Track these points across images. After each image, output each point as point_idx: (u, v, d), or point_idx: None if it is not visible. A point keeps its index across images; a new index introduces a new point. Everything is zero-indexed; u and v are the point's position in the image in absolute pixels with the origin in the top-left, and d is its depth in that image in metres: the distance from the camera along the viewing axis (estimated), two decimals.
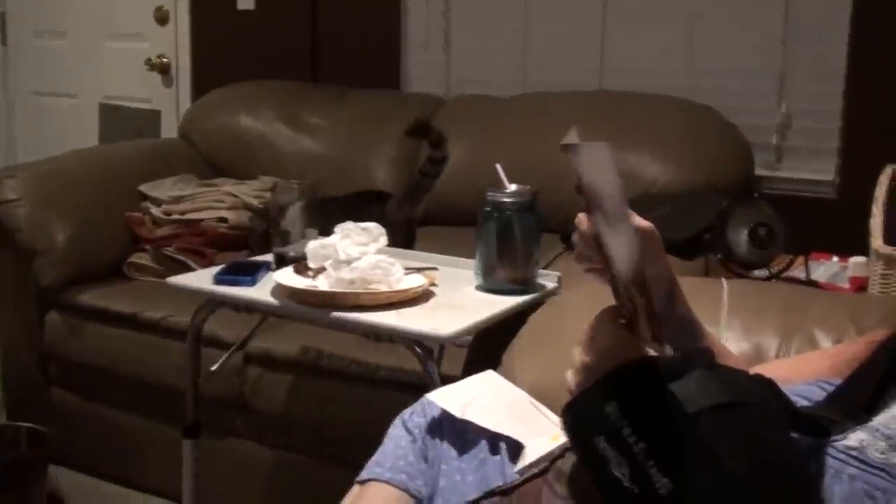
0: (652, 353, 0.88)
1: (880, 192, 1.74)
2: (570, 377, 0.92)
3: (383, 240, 1.68)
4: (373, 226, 1.68)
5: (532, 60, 3.01)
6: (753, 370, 1.18)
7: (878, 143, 2.43)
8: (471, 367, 1.61)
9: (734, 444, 0.76)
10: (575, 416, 0.84)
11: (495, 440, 1.16)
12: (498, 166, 1.71)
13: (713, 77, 2.73)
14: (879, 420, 0.88)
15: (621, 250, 0.91)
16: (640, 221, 1.03)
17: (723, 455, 0.75)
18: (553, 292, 1.69)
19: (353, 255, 1.64)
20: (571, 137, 0.94)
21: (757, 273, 1.73)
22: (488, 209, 1.68)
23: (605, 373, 0.83)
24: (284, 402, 2.10)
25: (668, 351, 1.05)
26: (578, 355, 0.91)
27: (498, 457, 1.15)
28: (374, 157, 2.85)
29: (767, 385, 0.86)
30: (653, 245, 1.04)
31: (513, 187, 1.69)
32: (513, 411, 1.22)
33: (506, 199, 1.67)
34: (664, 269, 1.08)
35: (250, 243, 2.30)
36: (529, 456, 1.11)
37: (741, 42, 2.71)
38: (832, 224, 2.39)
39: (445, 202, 2.63)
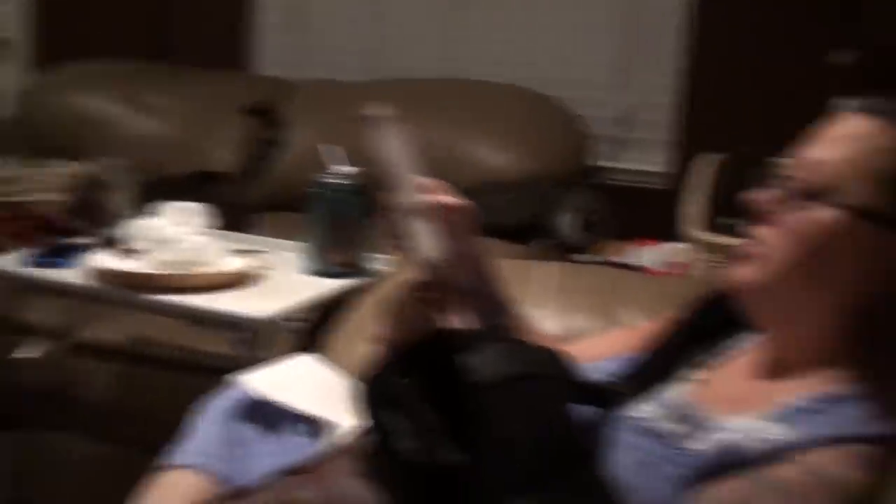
0: (452, 327, 0.88)
1: (696, 180, 1.81)
2: (369, 351, 0.91)
3: (209, 221, 1.63)
4: (198, 206, 1.63)
5: (385, 46, 2.99)
6: (567, 349, 1.21)
7: (707, 136, 2.52)
8: (304, 351, 1.59)
9: (519, 415, 0.77)
10: (371, 390, 0.83)
11: (305, 421, 1.14)
12: (325, 147, 1.68)
13: (556, 68, 2.77)
14: (666, 392, 0.91)
15: (417, 226, 0.91)
16: (451, 199, 1.03)
17: (508, 426, 0.76)
18: (383, 275, 1.68)
19: (177, 236, 1.58)
20: (374, 110, 0.93)
21: (586, 258, 1.77)
22: (318, 191, 1.65)
23: (403, 347, 0.83)
24: (109, 392, 2.02)
25: (469, 325, 1.06)
26: (377, 329, 0.91)
27: (307, 438, 1.13)
28: (216, 138, 2.77)
29: (557, 359, 0.87)
30: (465, 222, 1.04)
31: (345, 170, 1.67)
32: (325, 392, 1.20)
33: (335, 181, 1.65)
34: (475, 247, 1.08)
35: (74, 223, 2.20)
36: (338, 435, 1.10)
37: (586, 34, 2.76)
38: (664, 212, 2.46)
39: (293, 187, 2.58)
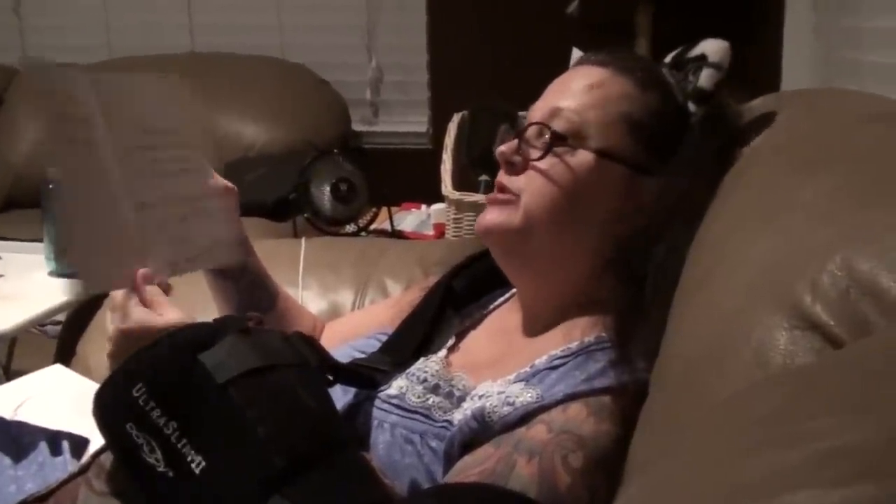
0: (186, 324, 0.82)
1: (449, 139, 1.83)
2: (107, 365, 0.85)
3: None
4: None
5: (116, 23, 2.82)
6: (328, 327, 1.19)
7: (462, 92, 2.55)
8: (60, 361, 1.48)
9: (264, 408, 0.74)
10: (102, 404, 0.77)
11: (56, 439, 1.06)
12: None
13: (303, 34, 2.71)
14: (417, 365, 0.90)
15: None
16: (215, 181, 1.01)
17: (252, 421, 0.72)
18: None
19: None
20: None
21: (346, 228, 1.75)
22: (51, 186, 1.53)
23: (132, 354, 0.78)
24: None
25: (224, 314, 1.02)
26: (108, 341, 0.85)
27: (60, 457, 1.05)
28: None
29: (306, 344, 0.84)
30: (228, 204, 1.03)
31: None
32: (79, 405, 1.12)
33: None
34: (239, 228, 1.06)
35: None
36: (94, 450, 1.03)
37: None
38: (429, 174, 2.48)
39: (32, 184, 2.40)
